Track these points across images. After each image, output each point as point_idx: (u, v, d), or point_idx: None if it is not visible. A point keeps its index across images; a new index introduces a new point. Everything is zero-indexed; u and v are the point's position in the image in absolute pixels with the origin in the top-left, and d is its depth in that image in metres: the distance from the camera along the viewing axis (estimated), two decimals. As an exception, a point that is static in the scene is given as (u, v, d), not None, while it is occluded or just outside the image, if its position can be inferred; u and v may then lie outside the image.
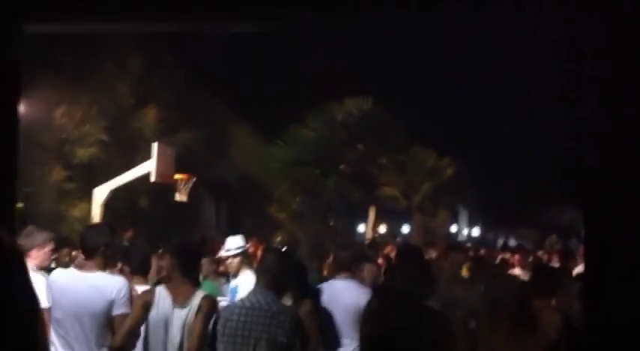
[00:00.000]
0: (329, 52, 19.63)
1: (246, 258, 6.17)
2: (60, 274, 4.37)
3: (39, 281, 4.36)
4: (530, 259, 11.32)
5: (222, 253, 6.20)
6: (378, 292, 4.52)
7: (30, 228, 4.98)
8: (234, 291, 5.78)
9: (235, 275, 6.00)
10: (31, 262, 4.56)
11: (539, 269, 5.30)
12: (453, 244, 10.88)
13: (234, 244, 6.10)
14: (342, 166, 19.67)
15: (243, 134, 20.03)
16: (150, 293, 4.21)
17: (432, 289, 4.57)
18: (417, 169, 20.99)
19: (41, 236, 4.89)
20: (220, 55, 17.92)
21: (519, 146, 32.38)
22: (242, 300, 4.16)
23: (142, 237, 13.80)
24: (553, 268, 6.27)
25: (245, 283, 5.61)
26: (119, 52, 15.94)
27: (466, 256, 8.28)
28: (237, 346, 3.95)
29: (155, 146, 12.89)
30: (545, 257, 12.26)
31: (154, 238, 12.57)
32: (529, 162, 33.07)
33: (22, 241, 4.63)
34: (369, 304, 4.14)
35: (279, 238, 15.96)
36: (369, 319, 3.94)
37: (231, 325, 3.99)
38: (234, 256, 6.01)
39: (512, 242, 25.97)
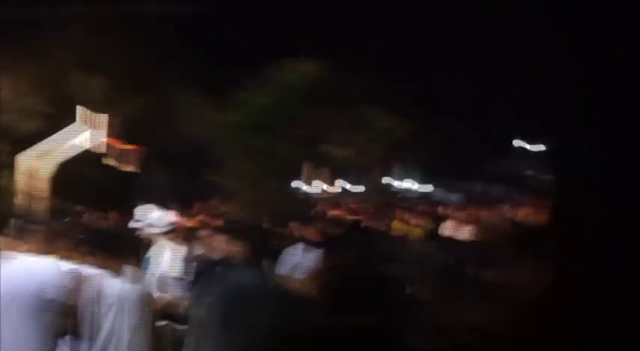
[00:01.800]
0: (276, 12, 19.36)
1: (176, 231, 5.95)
2: None
3: None
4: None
5: (131, 224, 5.77)
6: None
7: None
8: (148, 261, 5.54)
9: (150, 245, 5.66)
10: None
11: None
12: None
13: (159, 220, 5.78)
14: (292, 130, 19.60)
15: (189, 100, 19.72)
16: (77, 271, 4.13)
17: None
18: (366, 128, 21.09)
19: None
20: (164, 16, 17.47)
21: (467, 100, 32.80)
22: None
23: (91, 207, 13.63)
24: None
25: (158, 254, 5.50)
26: (59, 18, 15.41)
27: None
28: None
29: (95, 116, 12.71)
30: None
31: (103, 209, 12.42)
32: (478, 116, 33.58)
33: None
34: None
35: (230, 205, 15.92)
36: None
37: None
38: (142, 227, 5.70)
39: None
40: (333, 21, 22.35)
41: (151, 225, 5.70)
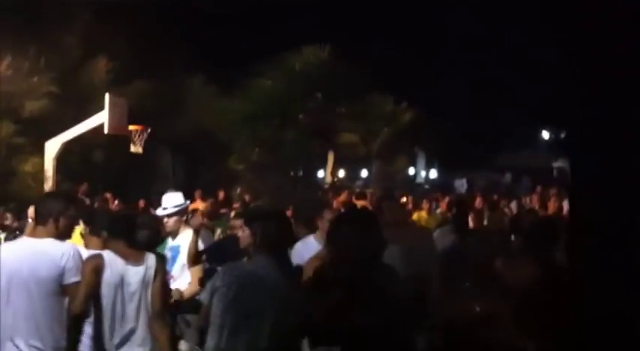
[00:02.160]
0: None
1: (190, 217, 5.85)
2: (7, 246, 4.22)
3: None
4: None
5: (159, 212, 5.63)
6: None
7: None
8: (175, 251, 5.43)
9: (174, 235, 5.50)
10: None
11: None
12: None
13: (170, 201, 5.62)
14: (300, 116, 19.53)
15: (197, 85, 19.60)
16: (98, 257, 4.12)
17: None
18: (375, 115, 21.01)
19: None
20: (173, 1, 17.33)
21: (476, 88, 32.78)
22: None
23: (97, 191, 13.59)
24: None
25: (186, 242, 5.34)
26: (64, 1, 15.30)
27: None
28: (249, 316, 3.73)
29: (107, 97, 12.57)
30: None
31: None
32: (485, 104, 33.59)
33: None
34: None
35: (238, 190, 15.87)
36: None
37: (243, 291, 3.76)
38: (170, 215, 5.53)
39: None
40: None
41: (164, 208, 5.62)
